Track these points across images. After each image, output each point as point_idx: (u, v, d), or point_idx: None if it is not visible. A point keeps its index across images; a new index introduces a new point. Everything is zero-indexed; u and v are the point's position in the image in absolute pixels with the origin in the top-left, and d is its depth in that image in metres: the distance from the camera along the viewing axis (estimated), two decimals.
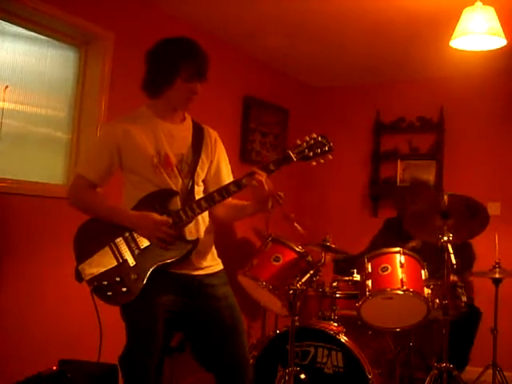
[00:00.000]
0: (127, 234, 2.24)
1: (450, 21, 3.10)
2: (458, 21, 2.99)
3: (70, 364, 2.67)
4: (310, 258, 3.13)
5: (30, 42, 3.06)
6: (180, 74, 2.25)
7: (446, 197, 2.95)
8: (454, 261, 2.81)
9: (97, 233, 2.28)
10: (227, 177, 2.46)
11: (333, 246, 3.29)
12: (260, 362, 3.13)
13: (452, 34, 3.03)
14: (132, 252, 2.22)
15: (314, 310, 3.32)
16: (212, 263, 2.38)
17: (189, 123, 2.43)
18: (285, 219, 3.88)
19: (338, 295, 3.23)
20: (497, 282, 3.37)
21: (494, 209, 4.28)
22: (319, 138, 2.20)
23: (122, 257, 2.22)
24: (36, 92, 3.09)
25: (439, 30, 3.52)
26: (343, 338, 2.97)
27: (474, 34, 2.94)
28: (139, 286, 2.18)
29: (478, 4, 2.93)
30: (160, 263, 2.21)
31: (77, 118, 3.27)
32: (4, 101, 2.91)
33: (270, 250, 3.21)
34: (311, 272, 2.98)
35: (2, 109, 2.90)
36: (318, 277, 3.12)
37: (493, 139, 4.57)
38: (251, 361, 3.54)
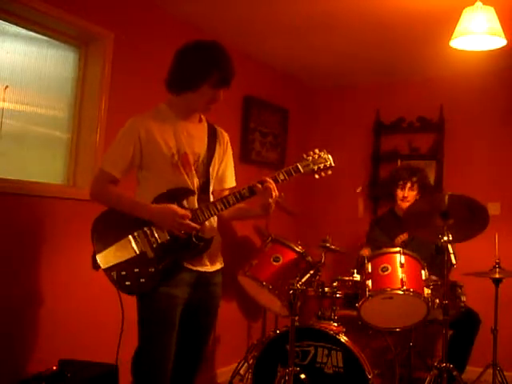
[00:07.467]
0: (146, 228, 2.30)
1: (449, 21, 3.10)
2: (458, 21, 2.99)
3: (70, 364, 2.67)
4: (309, 258, 3.14)
5: (29, 42, 3.05)
6: (208, 80, 2.30)
7: (446, 197, 2.95)
8: (454, 261, 2.81)
9: (116, 224, 2.34)
10: (230, 179, 2.57)
11: (332, 246, 3.30)
12: (260, 361, 3.13)
13: (452, 34, 3.03)
14: (151, 245, 2.29)
15: (314, 309, 3.32)
16: (220, 260, 2.50)
17: (205, 124, 2.50)
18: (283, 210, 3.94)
19: (338, 295, 3.24)
20: (497, 281, 3.37)
21: (494, 209, 4.28)
22: (322, 154, 2.36)
23: (140, 249, 2.29)
24: (36, 92, 3.08)
25: (439, 29, 3.52)
26: (343, 338, 2.97)
27: (474, 34, 2.94)
28: (156, 278, 2.26)
29: (478, 4, 2.93)
30: (177, 258, 2.29)
31: (77, 117, 3.27)
32: (4, 101, 2.90)
33: (269, 250, 3.21)
34: (311, 272, 2.99)
35: (2, 109, 2.90)
36: (317, 277, 3.12)
37: (493, 139, 4.56)
38: (251, 361, 3.55)
